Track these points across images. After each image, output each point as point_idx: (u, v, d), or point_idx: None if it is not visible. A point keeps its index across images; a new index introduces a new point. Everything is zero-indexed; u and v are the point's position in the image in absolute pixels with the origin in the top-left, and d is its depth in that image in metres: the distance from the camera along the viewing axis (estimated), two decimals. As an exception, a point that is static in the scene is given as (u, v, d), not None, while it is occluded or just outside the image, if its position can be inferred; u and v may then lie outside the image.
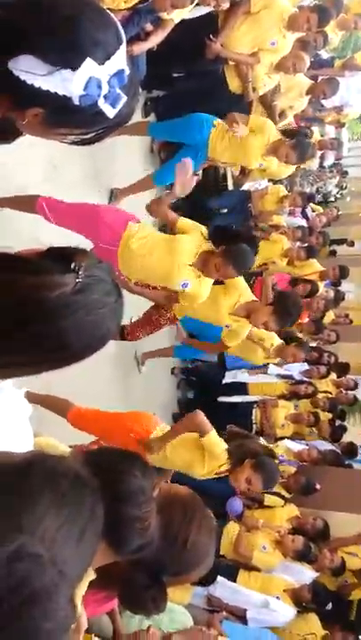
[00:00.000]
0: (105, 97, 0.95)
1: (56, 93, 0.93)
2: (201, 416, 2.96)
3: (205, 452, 2.93)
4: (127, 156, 4.74)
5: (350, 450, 6.19)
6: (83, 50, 0.91)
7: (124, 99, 0.98)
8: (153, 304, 3.97)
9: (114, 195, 4.42)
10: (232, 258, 3.12)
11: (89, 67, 0.92)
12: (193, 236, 3.13)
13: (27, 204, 3.05)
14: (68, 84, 0.92)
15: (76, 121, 0.99)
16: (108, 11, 0.97)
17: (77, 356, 0.94)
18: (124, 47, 0.96)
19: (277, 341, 4.20)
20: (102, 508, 0.78)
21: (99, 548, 1.20)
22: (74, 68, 0.91)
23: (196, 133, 4.18)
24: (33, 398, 2.91)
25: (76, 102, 0.94)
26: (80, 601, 1.19)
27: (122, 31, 0.97)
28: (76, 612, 0.69)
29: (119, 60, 0.95)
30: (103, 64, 0.93)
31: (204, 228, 3.22)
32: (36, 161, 3.40)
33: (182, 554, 1.34)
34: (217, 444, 2.91)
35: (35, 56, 0.91)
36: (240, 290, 3.71)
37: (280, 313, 3.53)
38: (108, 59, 0.94)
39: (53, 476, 0.72)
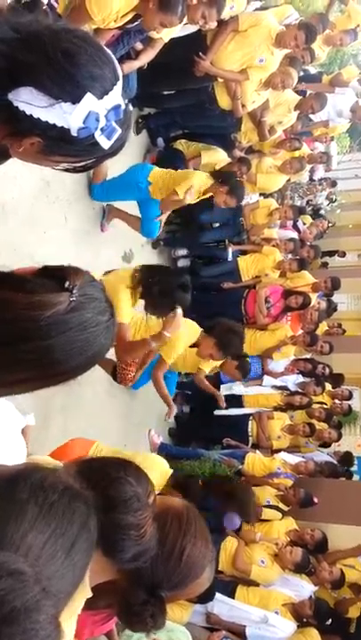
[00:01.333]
0: (102, 130, 0.99)
1: (55, 125, 0.97)
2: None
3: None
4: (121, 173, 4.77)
5: (347, 459, 6.19)
6: (83, 85, 0.96)
7: (119, 132, 1.02)
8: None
9: (106, 211, 4.43)
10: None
11: (89, 101, 0.96)
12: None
13: None
14: (68, 116, 0.96)
15: (71, 151, 1.03)
16: (105, 47, 1.01)
17: (70, 374, 0.95)
18: (120, 83, 1.01)
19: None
20: (95, 520, 0.77)
21: (95, 559, 1.20)
22: (74, 101, 0.96)
23: (134, 192, 4.17)
24: None
25: (74, 134, 0.98)
26: (74, 619, 1.18)
27: (119, 68, 1.01)
28: (60, 632, 0.67)
29: (116, 96, 1.00)
30: (102, 99, 0.98)
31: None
32: (29, 177, 3.42)
33: (179, 566, 1.33)
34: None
35: (36, 88, 0.95)
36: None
37: (222, 344, 3.69)
38: (107, 94, 0.98)
39: (41, 488, 0.71)
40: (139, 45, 3.83)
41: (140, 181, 4.09)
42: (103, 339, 0.95)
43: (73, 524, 0.72)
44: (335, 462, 5.85)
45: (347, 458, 6.20)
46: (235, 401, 5.54)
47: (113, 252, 4.66)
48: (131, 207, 4.48)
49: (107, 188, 4.22)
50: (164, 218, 4.40)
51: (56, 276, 0.92)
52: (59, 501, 0.71)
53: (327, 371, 6.36)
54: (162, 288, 2.97)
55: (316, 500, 4.75)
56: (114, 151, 1.06)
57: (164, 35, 3.66)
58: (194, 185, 4.00)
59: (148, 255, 5.43)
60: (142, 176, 4.08)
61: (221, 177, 4.30)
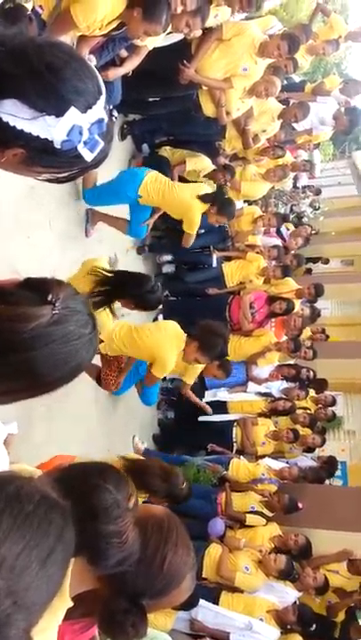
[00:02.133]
0: (85, 142, 1.01)
1: (38, 137, 0.97)
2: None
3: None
4: (105, 177, 4.77)
5: (331, 464, 6.22)
6: (67, 98, 0.97)
7: (102, 144, 1.03)
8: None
9: (90, 216, 4.43)
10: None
11: (73, 115, 0.97)
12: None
13: None
14: (52, 129, 0.97)
15: (54, 162, 1.03)
16: (90, 63, 1.02)
17: (53, 386, 0.96)
18: (103, 97, 1.02)
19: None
20: (72, 531, 0.76)
21: (78, 567, 1.19)
22: (58, 114, 0.97)
23: (124, 200, 4.27)
24: None
25: (58, 146, 0.99)
26: (55, 631, 1.17)
27: (102, 82, 1.03)
28: None
29: (99, 110, 1.01)
30: (85, 112, 0.99)
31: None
32: (13, 181, 3.41)
33: (160, 574, 1.32)
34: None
35: (20, 101, 0.96)
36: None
37: (205, 347, 3.66)
38: (90, 108, 0.99)
39: (16, 499, 0.71)
40: (124, 52, 3.85)
41: (129, 194, 4.17)
42: (85, 351, 0.95)
43: (48, 536, 0.71)
44: (318, 468, 5.88)
45: (330, 462, 6.24)
46: (219, 407, 5.56)
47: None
48: (117, 210, 4.50)
49: (98, 193, 4.26)
50: (151, 221, 4.46)
51: (39, 289, 0.92)
52: (34, 512, 0.71)
53: (311, 374, 6.40)
54: (135, 300, 3.13)
55: (300, 505, 4.76)
56: (96, 163, 1.07)
57: (149, 42, 3.68)
58: (197, 219, 4.30)
59: (132, 260, 5.43)
60: (132, 190, 4.16)
61: (208, 200, 4.37)
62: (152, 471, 2.68)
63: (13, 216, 3.44)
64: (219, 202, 4.44)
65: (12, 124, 0.96)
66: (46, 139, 0.97)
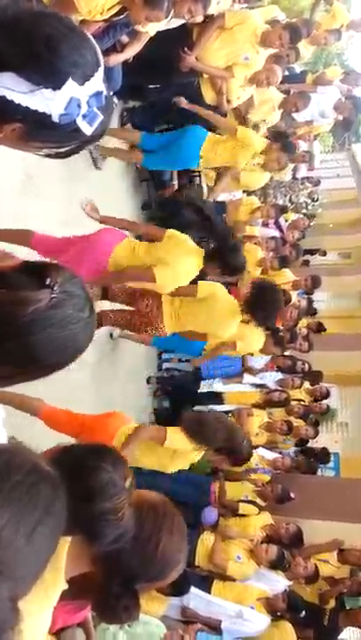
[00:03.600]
0: (83, 116, 0.99)
1: (36, 110, 0.96)
2: (153, 431, 3.00)
3: (170, 451, 2.95)
4: (104, 168, 4.76)
5: (324, 455, 6.27)
6: (64, 71, 0.95)
7: (101, 117, 1.02)
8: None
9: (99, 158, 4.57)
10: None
11: (70, 88, 0.95)
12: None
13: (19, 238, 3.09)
14: (50, 102, 0.95)
15: (53, 136, 1.02)
16: (87, 34, 1.00)
17: (49, 370, 0.95)
18: (102, 69, 1.00)
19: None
20: (63, 502, 0.77)
21: (76, 545, 1.20)
22: (55, 88, 0.95)
23: (192, 135, 4.49)
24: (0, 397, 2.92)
25: (56, 120, 0.97)
26: (50, 611, 1.18)
27: (100, 54, 1.00)
28: (16, 615, 0.66)
29: (98, 82, 0.99)
30: (83, 85, 0.97)
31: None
32: (10, 169, 3.38)
33: (154, 559, 1.35)
34: (179, 440, 2.89)
35: (17, 74, 0.94)
36: (215, 294, 3.77)
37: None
38: (88, 80, 0.97)
39: (6, 469, 0.71)
40: (125, 38, 3.81)
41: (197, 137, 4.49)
42: (83, 335, 0.95)
43: (36, 507, 0.72)
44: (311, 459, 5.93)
45: (323, 454, 6.29)
46: (215, 398, 5.58)
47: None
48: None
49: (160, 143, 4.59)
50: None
51: (37, 273, 0.92)
52: (22, 482, 0.71)
53: (306, 366, 6.43)
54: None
55: (292, 495, 4.81)
56: (95, 137, 1.05)
57: (150, 28, 3.64)
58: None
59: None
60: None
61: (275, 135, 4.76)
62: (213, 425, 2.75)
63: (11, 204, 3.41)
64: (284, 141, 4.85)
65: (9, 97, 0.94)
66: (44, 112, 0.96)
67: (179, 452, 2.94)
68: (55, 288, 0.89)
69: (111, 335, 5.01)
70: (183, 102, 4.39)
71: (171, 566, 1.38)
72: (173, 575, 1.40)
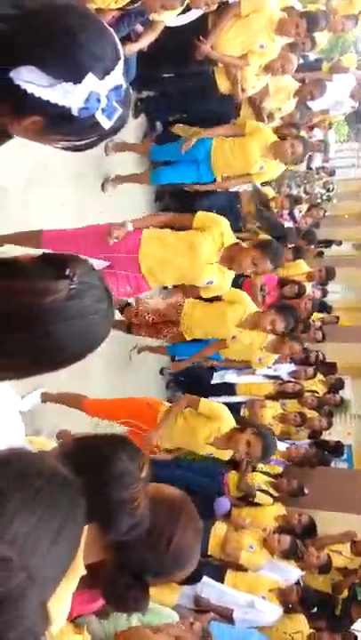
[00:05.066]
0: (102, 110, 0.99)
1: (56, 104, 0.96)
2: (187, 397, 3.32)
3: (204, 418, 3.19)
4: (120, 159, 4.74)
5: (337, 449, 6.25)
6: (84, 65, 0.95)
7: (120, 111, 1.02)
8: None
9: (108, 182, 4.50)
10: (270, 252, 3.14)
11: (90, 82, 0.95)
12: (212, 235, 3.04)
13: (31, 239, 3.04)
14: (70, 96, 0.95)
15: (72, 130, 1.02)
16: (107, 25, 0.99)
17: (67, 361, 0.96)
18: (121, 63, 1.00)
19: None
20: (83, 507, 0.77)
21: (91, 534, 1.22)
22: (75, 81, 0.95)
23: (199, 147, 4.38)
24: (50, 398, 3.20)
25: (75, 114, 0.97)
26: (69, 599, 1.20)
27: (120, 47, 1.00)
28: (46, 620, 0.67)
29: (117, 75, 0.99)
30: (103, 79, 0.97)
31: (224, 222, 3.10)
32: (23, 162, 3.39)
33: (166, 554, 1.35)
34: (211, 404, 3.22)
35: (37, 67, 0.94)
36: (245, 304, 3.82)
37: (283, 313, 3.77)
38: (108, 74, 0.97)
39: (26, 474, 0.71)
40: (139, 28, 3.78)
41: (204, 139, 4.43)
42: (102, 326, 0.95)
43: (59, 511, 0.72)
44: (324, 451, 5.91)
45: (337, 447, 6.26)
46: (227, 389, 5.57)
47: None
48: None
49: (168, 148, 4.57)
50: None
51: (55, 264, 0.92)
52: (44, 488, 0.72)
53: (321, 356, 6.40)
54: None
55: (306, 491, 4.81)
56: (114, 130, 1.05)
57: (165, 17, 3.62)
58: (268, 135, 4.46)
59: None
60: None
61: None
62: None
63: (24, 197, 3.42)
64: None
65: (29, 91, 0.94)
66: (64, 106, 0.96)
67: (210, 417, 3.19)
68: (74, 279, 0.90)
69: (130, 357, 5.11)
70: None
71: (182, 561, 1.38)
72: (183, 573, 1.40)
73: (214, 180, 4.72)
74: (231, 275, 3.26)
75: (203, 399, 3.21)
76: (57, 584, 0.73)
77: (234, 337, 4.01)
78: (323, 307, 6.93)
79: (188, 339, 4.10)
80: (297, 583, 4.22)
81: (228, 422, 3.19)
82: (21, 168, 3.36)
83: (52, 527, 0.70)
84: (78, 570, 1.26)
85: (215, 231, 3.04)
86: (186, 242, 3.00)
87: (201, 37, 4.23)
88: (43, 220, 3.57)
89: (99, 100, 0.97)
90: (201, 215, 3.05)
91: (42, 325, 0.88)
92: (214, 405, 3.23)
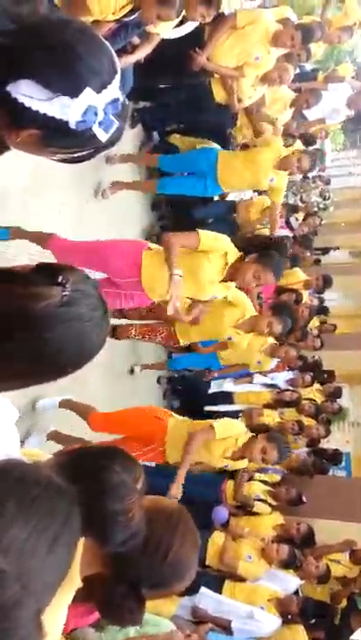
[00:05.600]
0: (100, 123, 1.00)
1: (53, 117, 0.97)
2: (201, 434, 3.26)
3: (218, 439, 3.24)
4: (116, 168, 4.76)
5: (335, 457, 6.24)
6: (82, 79, 0.96)
7: (117, 124, 1.03)
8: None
9: (107, 189, 4.51)
10: (271, 264, 3.15)
11: (88, 95, 0.96)
12: (215, 257, 3.06)
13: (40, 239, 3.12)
14: (67, 109, 0.96)
15: (69, 143, 1.03)
16: (103, 39, 1.01)
17: (61, 370, 0.96)
18: (118, 76, 1.01)
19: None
20: (78, 517, 0.77)
21: (86, 547, 1.21)
22: (73, 95, 0.96)
23: (203, 160, 4.41)
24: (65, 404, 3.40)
25: (73, 127, 0.98)
26: (64, 611, 1.19)
27: (117, 61, 1.01)
28: (41, 631, 0.67)
29: (114, 89, 1.00)
30: (100, 92, 0.98)
31: (226, 242, 3.12)
32: (22, 166, 3.40)
33: (162, 566, 1.34)
34: (225, 426, 3.25)
35: (35, 81, 0.95)
36: (244, 306, 3.83)
37: (280, 315, 3.80)
38: (105, 87, 0.98)
39: (22, 484, 0.71)
40: (136, 40, 3.81)
41: (211, 149, 4.54)
42: (96, 335, 0.95)
43: (55, 520, 0.72)
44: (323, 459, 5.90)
45: (335, 455, 6.26)
46: (225, 398, 5.57)
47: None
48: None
49: (175, 159, 4.64)
50: None
51: (50, 272, 0.93)
52: (40, 497, 0.72)
53: (318, 358, 6.40)
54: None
55: (304, 499, 4.80)
56: (111, 143, 1.06)
57: (161, 29, 3.65)
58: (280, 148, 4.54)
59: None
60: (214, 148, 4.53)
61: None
62: None
63: (23, 203, 3.43)
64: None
65: (27, 104, 0.95)
66: (61, 119, 0.97)
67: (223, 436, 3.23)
68: (68, 286, 0.90)
69: (132, 371, 5.10)
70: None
71: (178, 574, 1.37)
72: (180, 586, 1.39)
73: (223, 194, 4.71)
74: (232, 285, 3.32)
75: (215, 427, 3.17)
76: (53, 593, 0.73)
77: (230, 338, 4.03)
78: (320, 310, 6.94)
79: (182, 342, 4.08)
80: (295, 593, 4.19)
81: (242, 435, 3.26)
82: (22, 170, 3.37)
83: (47, 535, 0.69)
84: (74, 582, 1.25)
85: (219, 252, 3.06)
86: (187, 268, 3.00)
87: (197, 49, 4.27)
88: (43, 221, 3.60)
89: (96, 114, 0.98)
90: (206, 239, 3.03)
91: (34, 330, 0.88)
92: (227, 426, 3.25)
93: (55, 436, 3.51)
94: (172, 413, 3.49)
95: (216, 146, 5.29)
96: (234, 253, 3.13)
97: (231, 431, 3.22)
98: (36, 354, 0.90)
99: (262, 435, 3.25)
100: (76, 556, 1.27)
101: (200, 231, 3.06)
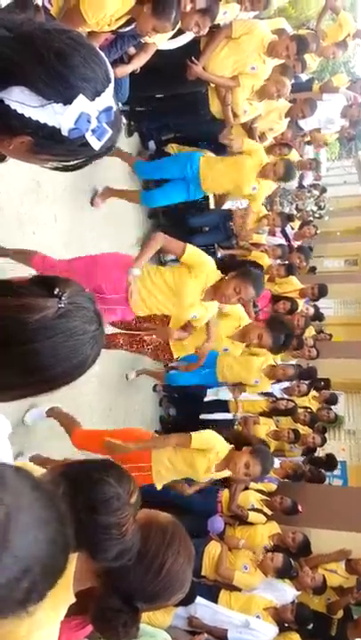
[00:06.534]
0: (93, 131, 1.00)
1: (46, 124, 0.97)
2: (177, 437, 3.16)
3: (200, 451, 3.09)
4: (109, 167, 4.78)
5: (330, 461, 6.22)
6: (75, 86, 0.96)
7: (110, 133, 1.03)
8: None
9: (97, 197, 4.51)
10: (251, 279, 3.18)
11: (81, 103, 0.97)
12: (198, 277, 3.09)
13: (23, 256, 3.10)
14: (60, 117, 0.96)
15: (62, 150, 1.03)
16: (98, 49, 1.01)
17: (55, 382, 0.96)
18: (112, 85, 1.01)
19: (270, 360, 4.34)
20: (71, 524, 0.79)
21: (81, 561, 1.20)
22: (66, 102, 0.96)
23: (185, 167, 4.40)
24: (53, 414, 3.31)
25: (65, 134, 0.98)
26: (57, 626, 1.19)
27: (110, 70, 1.01)
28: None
29: (108, 97, 1.00)
30: (93, 100, 0.98)
31: (210, 264, 3.15)
32: (18, 176, 3.41)
33: (156, 579, 1.34)
34: (202, 436, 3.11)
35: (28, 88, 0.95)
36: (240, 316, 3.82)
37: (273, 329, 3.72)
38: (98, 95, 0.99)
39: (22, 486, 0.73)
40: (132, 50, 3.83)
41: (193, 154, 4.50)
42: (90, 347, 0.96)
43: (52, 522, 0.74)
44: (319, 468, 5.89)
45: (330, 460, 6.24)
46: (221, 406, 5.56)
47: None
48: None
49: (155, 165, 4.59)
50: None
51: (45, 284, 0.93)
52: (40, 499, 0.74)
53: (314, 355, 6.39)
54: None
55: (300, 508, 4.78)
56: (104, 151, 1.06)
57: (157, 40, 3.67)
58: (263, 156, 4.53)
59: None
60: (195, 154, 4.48)
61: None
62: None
63: (18, 212, 3.44)
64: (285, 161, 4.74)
65: (20, 111, 0.96)
66: (54, 127, 0.97)
67: (204, 450, 3.11)
68: (63, 298, 0.91)
69: (127, 377, 5.07)
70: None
71: (173, 588, 1.37)
72: (174, 599, 1.39)
73: (205, 198, 4.73)
74: (214, 304, 3.31)
75: (193, 435, 3.07)
76: (48, 587, 0.75)
77: (225, 349, 4.04)
78: (316, 318, 6.95)
79: (176, 355, 4.07)
80: (292, 603, 4.16)
81: (223, 447, 3.13)
82: (18, 177, 3.38)
83: (48, 532, 0.72)
84: (68, 598, 1.24)
85: (202, 273, 3.09)
86: (171, 288, 3.07)
87: (193, 58, 4.30)
88: (38, 229, 3.60)
89: (89, 121, 0.98)
90: (191, 253, 3.07)
91: (29, 342, 0.88)
92: (205, 437, 3.11)
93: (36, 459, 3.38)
94: (155, 434, 3.39)
95: (210, 154, 5.32)
96: (215, 276, 3.18)
97: (209, 443, 3.07)
98: (29, 364, 0.90)
99: (246, 449, 3.13)
100: (70, 570, 1.27)
101: (189, 245, 3.09)
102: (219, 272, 3.20)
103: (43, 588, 0.73)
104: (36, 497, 0.73)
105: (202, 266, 3.09)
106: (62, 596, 1.26)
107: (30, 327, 0.87)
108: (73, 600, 1.27)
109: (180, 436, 3.14)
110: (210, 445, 3.08)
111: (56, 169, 1.11)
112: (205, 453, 3.08)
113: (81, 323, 0.93)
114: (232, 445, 3.18)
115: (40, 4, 2.70)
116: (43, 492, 0.75)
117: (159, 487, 3.19)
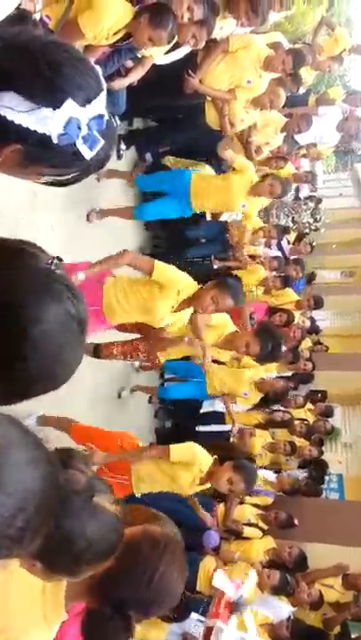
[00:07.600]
0: (83, 138, 0.98)
1: (35, 131, 0.95)
2: (156, 448, 3.17)
3: (181, 465, 3.02)
4: (108, 188, 4.80)
5: (321, 466, 6.18)
6: (64, 90, 0.95)
7: (102, 142, 1.01)
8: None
9: (93, 213, 4.51)
10: (228, 288, 3.16)
11: (70, 107, 0.95)
12: (168, 295, 3.07)
13: None
14: (49, 121, 0.95)
15: (53, 159, 1.01)
16: (93, 64, 1.01)
17: (40, 387, 0.92)
18: (104, 94, 1.00)
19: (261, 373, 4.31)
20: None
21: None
22: (55, 107, 0.95)
23: (175, 183, 4.44)
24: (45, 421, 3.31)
25: (55, 141, 0.96)
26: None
27: (103, 81, 1.01)
28: None
29: (99, 106, 0.99)
30: (84, 106, 0.97)
31: (181, 281, 3.13)
32: (16, 186, 3.41)
33: (148, 588, 1.33)
34: (181, 450, 3.03)
35: (17, 93, 0.94)
36: (226, 324, 3.80)
37: (261, 337, 3.64)
38: (89, 102, 0.97)
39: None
40: (129, 63, 3.86)
41: (185, 170, 4.56)
42: (72, 349, 0.92)
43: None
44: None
45: (320, 464, 6.18)
46: (217, 418, 5.53)
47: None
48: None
49: (152, 178, 4.64)
50: None
51: None
52: (28, 439, 0.79)
53: (309, 369, 6.38)
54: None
55: (296, 522, 4.75)
56: (97, 164, 1.04)
57: (154, 53, 3.70)
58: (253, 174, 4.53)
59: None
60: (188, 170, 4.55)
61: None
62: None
63: (16, 220, 3.44)
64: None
65: (9, 117, 0.94)
66: (44, 133, 0.95)
67: (186, 463, 3.03)
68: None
69: (119, 395, 5.06)
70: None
71: (164, 600, 1.36)
72: (163, 610, 1.38)
73: (199, 214, 4.73)
74: (188, 311, 3.29)
75: (172, 447, 3.00)
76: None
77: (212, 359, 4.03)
78: (312, 330, 6.96)
79: (161, 359, 4.06)
80: (288, 619, 4.12)
81: (206, 460, 3.04)
82: (17, 189, 3.38)
83: (34, 460, 0.76)
84: (59, 616, 1.23)
85: (172, 291, 3.07)
86: (140, 305, 3.07)
87: (190, 71, 4.33)
88: (36, 240, 3.58)
89: (79, 128, 0.97)
90: (161, 271, 3.04)
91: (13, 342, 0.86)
92: (184, 449, 3.03)
93: None
94: (139, 444, 3.33)
95: (208, 168, 5.34)
96: (189, 290, 3.16)
97: (189, 456, 2.98)
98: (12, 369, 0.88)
99: (228, 464, 3.02)
100: (62, 590, 1.25)
101: (157, 261, 3.06)
102: (195, 283, 3.18)
103: (36, 525, 0.75)
104: (25, 437, 0.77)
105: (172, 284, 3.05)
106: (56, 616, 1.26)
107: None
108: (65, 617, 1.26)
109: (159, 448, 3.11)
110: (189, 458, 3.00)
111: (50, 184, 1.09)
112: (189, 467, 3.00)
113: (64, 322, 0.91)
114: (215, 457, 3.09)
115: (38, 18, 2.73)
116: (31, 435, 0.79)
117: (138, 495, 3.13)
